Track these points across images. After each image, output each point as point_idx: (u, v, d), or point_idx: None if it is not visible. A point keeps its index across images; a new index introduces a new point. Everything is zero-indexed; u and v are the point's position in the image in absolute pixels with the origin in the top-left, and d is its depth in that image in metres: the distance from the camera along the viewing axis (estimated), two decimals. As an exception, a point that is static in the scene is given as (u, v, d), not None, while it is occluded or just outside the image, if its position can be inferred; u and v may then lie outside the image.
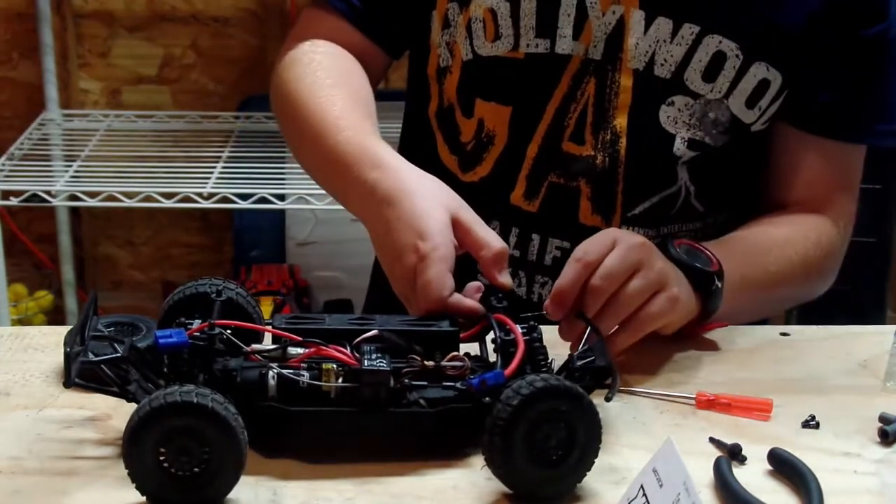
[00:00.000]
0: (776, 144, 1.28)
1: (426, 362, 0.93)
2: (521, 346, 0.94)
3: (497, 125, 1.25)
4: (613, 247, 1.04)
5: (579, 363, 0.96)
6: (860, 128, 1.26)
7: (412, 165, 1.11)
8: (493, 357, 0.96)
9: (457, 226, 1.03)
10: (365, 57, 1.28)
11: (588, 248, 1.04)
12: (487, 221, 1.07)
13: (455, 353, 0.95)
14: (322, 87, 1.21)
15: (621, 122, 1.21)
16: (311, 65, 1.24)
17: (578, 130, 1.22)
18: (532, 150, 1.24)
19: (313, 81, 1.22)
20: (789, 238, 1.24)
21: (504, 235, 1.25)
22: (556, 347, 1.00)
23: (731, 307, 1.15)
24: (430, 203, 1.04)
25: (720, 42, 1.19)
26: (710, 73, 1.20)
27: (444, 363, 0.94)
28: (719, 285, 1.12)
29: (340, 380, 0.91)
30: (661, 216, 1.25)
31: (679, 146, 1.22)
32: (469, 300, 0.99)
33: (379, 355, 0.92)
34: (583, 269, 1.02)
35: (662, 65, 1.20)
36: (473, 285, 1.02)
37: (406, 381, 0.92)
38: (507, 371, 0.92)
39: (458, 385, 0.92)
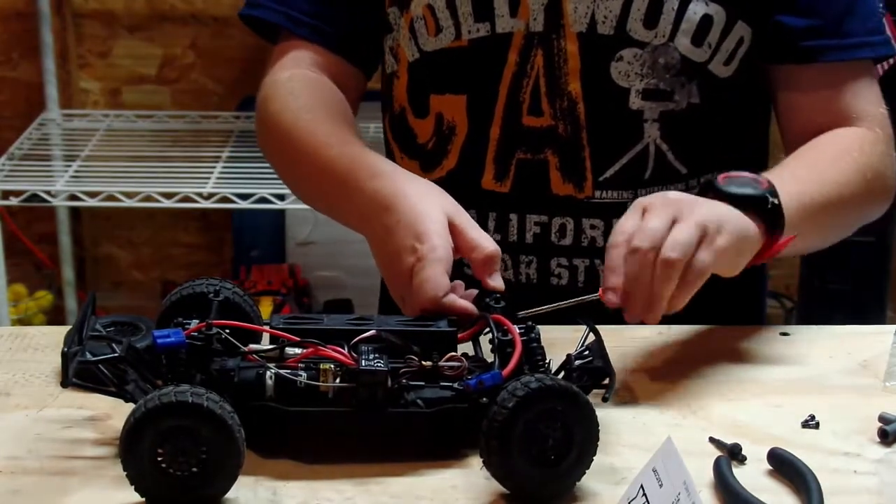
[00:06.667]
0: (779, 87, 1.28)
1: (424, 362, 0.93)
2: (519, 347, 0.94)
3: (455, 115, 1.27)
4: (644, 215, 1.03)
5: (577, 363, 0.96)
6: (844, 44, 1.25)
7: (408, 171, 1.13)
8: (490, 357, 0.96)
9: (451, 228, 1.05)
10: (340, 77, 1.31)
11: (619, 227, 1.04)
12: None
13: (453, 354, 0.95)
14: (306, 111, 1.23)
15: (575, 87, 1.23)
16: (290, 95, 1.26)
17: (535, 103, 1.24)
18: (494, 132, 1.25)
19: (297, 108, 1.24)
20: (836, 149, 1.23)
21: (482, 221, 1.26)
22: (555, 348, 1.00)
23: (799, 225, 1.13)
24: (427, 206, 1.06)
25: None
26: (651, 20, 1.21)
27: (441, 363, 0.93)
28: (775, 202, 1.10)
29: (338, 380, 0.91)
30: (636, 178, 1.25)
31: (634, 99, 1.23)
32: (462, 301, 1.00)
33: (376, 355, 0.92)
34: (621, 248, 1.02)
35: (604, 22, 1.22)
36: (467, 290, 1.03)
37: (403, 381, 0.92)
38: (505, 371, 0.92)
39: (455, 385, 0.92)
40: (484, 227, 1.25)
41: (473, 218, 1.08)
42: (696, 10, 1.21)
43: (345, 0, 1.30)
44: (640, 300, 1.01)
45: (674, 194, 1.06)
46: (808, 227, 1.15)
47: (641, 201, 1.05)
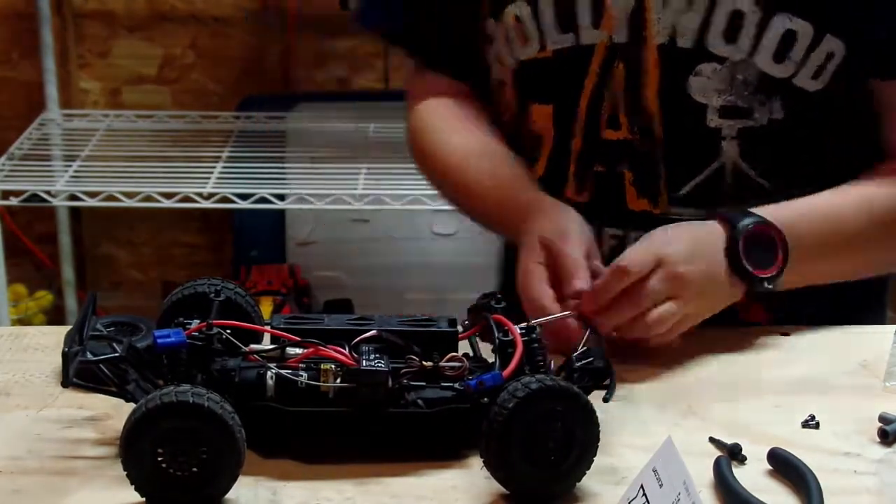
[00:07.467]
0: (876, 104, 1.24)
1: (424, 363, 0.93)
2: (520, 347, 0.94)
3: (543, 124, 1.28)
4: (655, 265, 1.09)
5: (578, 364, 0.96)
6: None
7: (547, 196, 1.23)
8: (491, 358, 0.96)
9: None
10: (467, 97, 1.38)
11: (629, 259, 1.10)
12: None
13: (454, 354, 0.95)
14: (453, 136, 1.33)
15: (653, 100, 1.22)
16: (445, 122, 1.35)
17: (613, 116, 1.24)
18: (576, 144, 1.26)
19: (454, 145, 1.33)
20: (868, 195, 1.21)
21: None
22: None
23: (806, 273, 1.17)
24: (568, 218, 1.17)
25: (735, 0, 1.19)
26: (731, 34, 1.20)
27: (442, 364, 0.93)
28: (769, 287, 1.13)
29: (339, 380, 0.91)
30: (712, 195, 1.23)
31: (711, 117, 1.22)
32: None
33: (377, 356, 0.92)
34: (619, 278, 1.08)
35: (684, 35, 1.20)
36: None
37: (404, 381, 0.92)
38: (506, 372, 0.92)
39: (455, 386, 0.92)
40: None
41: None
42: (779, 26, 1.19)
43: (457, 31, 1.34)
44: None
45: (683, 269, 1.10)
46: (816, 273, 1.20)
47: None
